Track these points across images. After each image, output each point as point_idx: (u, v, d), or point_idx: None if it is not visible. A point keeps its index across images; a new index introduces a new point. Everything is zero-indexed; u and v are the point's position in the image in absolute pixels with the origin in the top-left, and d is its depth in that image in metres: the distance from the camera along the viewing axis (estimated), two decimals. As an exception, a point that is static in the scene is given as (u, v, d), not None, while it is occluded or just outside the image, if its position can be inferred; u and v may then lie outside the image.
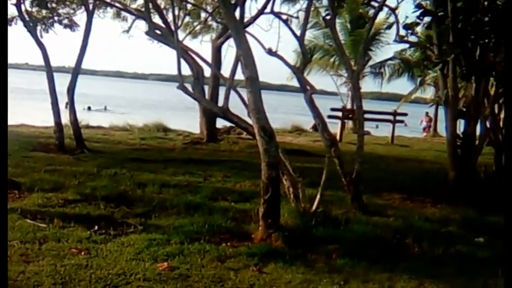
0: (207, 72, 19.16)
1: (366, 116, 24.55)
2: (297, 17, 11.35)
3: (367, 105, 25.99)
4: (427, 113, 38.06)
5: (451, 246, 7.28)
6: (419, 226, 8.03)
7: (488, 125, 12.23)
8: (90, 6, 14.96)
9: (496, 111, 14.65)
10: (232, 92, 8.32)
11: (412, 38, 11.69)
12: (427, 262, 6.58)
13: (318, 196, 7.91)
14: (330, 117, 23.99)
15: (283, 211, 7.51)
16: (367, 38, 12.11)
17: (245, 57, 7.04)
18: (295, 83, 9.11)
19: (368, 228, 7.66)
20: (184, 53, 9.11)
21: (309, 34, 32.25)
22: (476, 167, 11.92)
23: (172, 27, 9.72)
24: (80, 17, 15.82)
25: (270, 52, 8.73)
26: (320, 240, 6.94)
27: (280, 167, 7.79)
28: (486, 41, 10.36)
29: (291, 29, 9.83)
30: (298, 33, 9.70)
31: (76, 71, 14.90)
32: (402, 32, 10.97)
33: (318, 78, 35.52)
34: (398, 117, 25.07)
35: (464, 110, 11.57)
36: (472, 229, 8.23)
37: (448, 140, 11.30)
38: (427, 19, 11.13)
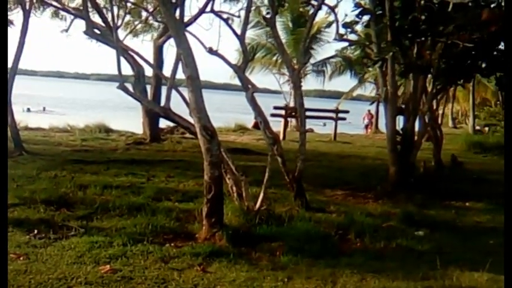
0: (150, 71, 19.02)
1: (308, 113, 24.86)
2: (239, 16, 11.32)
3: (310, 103, 26.28)
4: (369, 111, 38.71)
5: (392, 240, 7.42)
6: (361, 221, 8.12)
7: (426, 120, 12.53)
8: (27, 5, 14.57)
9: (434, 107, 15.06)
10: (175, 92, 8.27)
11: (352, 37, 11.90)
12: (369, 256, 6.68)
13: (261, 194, 7.93)
14: (273, 115, 24.11)
15: (227, 210, 7.52)
16: (307, 36, 12.24)
17: (185, 56, 6.99)
18: (238, 81, 9.10)
19: (311, 224, 7.72)
20: (124, 52, 8.96)
21: (252, 33, 32.38)
22: (415, 162, 12.21)
23: (112, 26, 9.54)
24: (17, 16, 15.41)
25: (210, 51, 8.71)
26: (264, 238, 6.97)
27: (223, 166, 7.78)
28: (423, 39, 10.61)
29: (231, 28, 9.82)
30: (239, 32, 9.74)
31: (13, 71, 14.48)
32: (342, 31, 11.12)
33: (261, 77, 35.68)
34: (340, 115, 25.38)
35: (403, 106, 11.84)
36: (412, 223, 8.39)
37: (388, 136, 11.53)
38: (366, 18, 11.32)
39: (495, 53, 11.25)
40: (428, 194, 10.91)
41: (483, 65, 11.69)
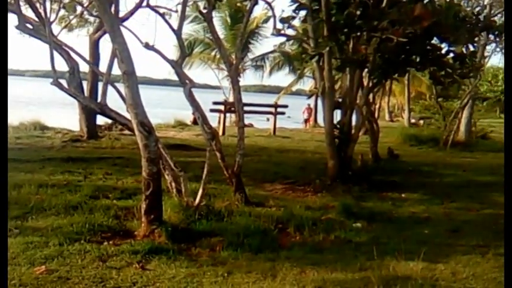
0: (86, 67, 18.61)
1: (247, 108, 24.92)
2: (176, 11, 11.23)
3: (250, 98, 26.34)
4: (308, 105, 39.09)
5: (330, 232, 7.52)
6: (300, 215, 8.18)
7: (363, 114, 12.74)
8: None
9: (371, 101, 15.34)
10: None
11: (290, 32, 11.95)
12: (308, 249, 6.75)
13: (201, 190, 7.91)
14: (212, 110, 24.08)
15: (166, 206, 7.45)
16: (244, 31, 12.25)
17: (121, 51, 6.88)
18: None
19: (251, 219, 7.73)
20: (58, 47, 8.71)
21: (190, 28, 32.21)
22: (353, 155, 12.40)
23: (45, 21, 9.28)
24: None
25: (146, 46, 8.59)
26: (203, 234, 6.94)
27: (162, 162, 7.71)
28: (358, 34, 10.78)
29: (168, 22, 9.70)
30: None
31: None
32: (279, 26, 11.18)
33: (200, 72, 35.54)
34: (279, 109, 25.51)
35: (341, 100, 12.00)
36: (350, 215, 8.52)
37: (326, 130, 11.67)
38: (302, 13, 11.41)
39: (428, 47, 11.53)
40: (365, 186, 11.13)
41: (417, 60, 11.97)
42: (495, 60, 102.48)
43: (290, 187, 10.92)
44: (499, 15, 19.13)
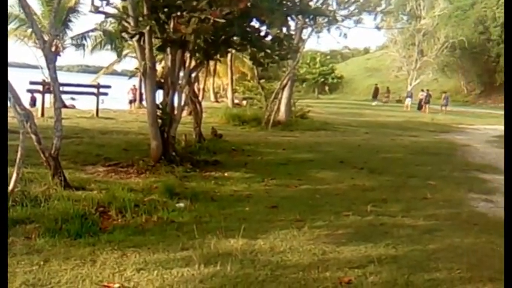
0: None
1: (68, 89, 23.94)
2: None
3: (73, 78, 25.32)
4: (134, 86, 38.50)
5: (153, 214, 7.47)
6: (122, 197, 8.00)
7: (186, 95, 12.77)
8: None
9: (194, 81, 15.41)
10: None
11: (108, 9, 11.59)
12: (130, 232, 6.64)
13: (14, 175, 7.45)
14: (29, 91, 22.81)
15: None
16: (58, 7, 11.68)
17: None
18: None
19: (70, 203, 7.40)
20: None
21: (3, 2, 30.06)
22: (177, 136, 12.42)
23: None
24: None
25: None
26: (18, 222, 6.58)
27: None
28: (179, 14, 10.73)
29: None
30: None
31: None
32: (97, 3, 10.79)
33: (17, 50, 33.49)
34: (102, 90, 24.74)
35: (163, 81, 11.92)
36: (174, 195, 8.52)
37: (148, 110, 11.53)
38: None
39: (248, 29, 11.79)
40: (189, 166, 11.22)
41: (237, 41, 12.20)
42: (313, 44, 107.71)
43: (113, 169, 10.68)
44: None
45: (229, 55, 30.16)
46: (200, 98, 20.85)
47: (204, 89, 35.23)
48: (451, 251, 6.41)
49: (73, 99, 32.47)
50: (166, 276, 5.24)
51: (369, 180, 11.01)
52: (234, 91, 38.52)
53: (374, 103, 50.83)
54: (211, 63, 28.57)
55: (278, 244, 6.38)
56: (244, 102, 34.68)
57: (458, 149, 17.88)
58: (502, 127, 23.45)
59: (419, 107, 45.75)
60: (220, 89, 53.41)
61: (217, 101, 43.72)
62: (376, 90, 55.56)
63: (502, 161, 15.78)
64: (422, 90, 47.45)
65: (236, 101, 36.72)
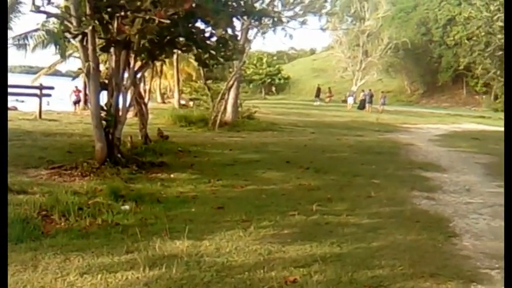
0: None
1: (9, 90, 23.30)
2: None
3: (15, 79, 24.62)
4: (76, 87, 37.75)
5: (97, 217, 7.35)
6: (66, 200, 7.86)
7: (131, 96, 12.64)
8: None
9: (139, 82, 15.26)
10: None
11: (50, 9, 11.35)
12: (73, 235, 6.54)
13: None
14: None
15: None
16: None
17: None
18: None
19: (11, 208, 7.22)
20: None
21: None
22: (122, 138, 12.28)
23: None
24: None
25: None
26: (-45, 227, 6.37)
27: None
28: (123, 14, 10.61)
29: None
30: None
31: None
32: (38, 2, 10.55)
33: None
34: (45, 91, 24.22)
35: (107, 81, 11.76)
36: (119, 198, 8.41)
37: (92, 112, 11.35)
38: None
39: (193, 30, 11.75)
40: (135, 168, 11.11)
41: (182, 41, 12.14)
42: (259, 45, 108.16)
43: (56, 172, 10.48)
44: (260, 0, 20.14)
45: (174, 56, 29.97)
46: (146, 99, 20.62)
47: (150, 90, 34.91)
48: (394, 248, 6.54)
49: (19, 101, 31.65)
50: (110, 280, 5.18)
51: (314, 180, 11.13)
52: (180, 92, 38.31)
53: (316, 103, 51.58)
54: (158, 64, 28.35)
55: (224, 245, 6.38)
56: (191, 103, 34.53)
57: (402, 148, 18.25)
58: (445, 126, 24.38)
59: (361, 107, 46.62)
60: (167, 90, 52.99)
61: (164, 102, 43.38)
62: (319, 90, 56.31)
63: (444, 159, 16.28)
64: (363, 91, 48.62)
65: (183, 102, 36.53)
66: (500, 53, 25.95)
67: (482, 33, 26.80)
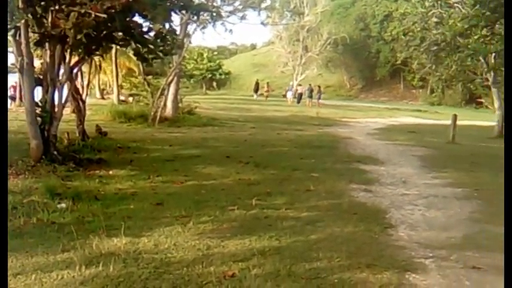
0: None
1: None
2: None
3: None
4: (15, 83, 36.71)
5: (32, 216, 7.22)
6: (-1, 199, 7.67)
7: (66, 91, 12.37)
8: None
9: (76, 77, 14.95)
10: None
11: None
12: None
13: None
14: None
15: None
16: None
17: None
18: None
19: None
20: None
21: None
22: (59, 134, 12.02)
23: None
24: None
25: None
26: None
27: None
28: (57, 7, 10.36)
29: None
30: None
31: None
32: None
33: None
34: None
35: (41, 77, 11.47)
36: (55, 196, 8.26)
37: (27, 108, 11.05)
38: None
39: (131, 24, 11.57)
40: (72, 165, 10.90)
41: (119, 36, 11.95)
42: (200, 40, 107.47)
43: (-11, 171, 10.15)
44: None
45: (113, 51, 29.50)
46: (85, 95, 20.17)
47: (89, 85, 34.25)
48: (331, 241, 6.65)
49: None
50: (45, 280, 5.08)
51: (254, 174, 11.18)
52: (120, 88, 37.72)
53: (255, 97, 52.10)
54: (96, 58, 27.85)
55: (162, 241, 6.35)
56: (131, 99, 34.03)
57: (341, 142, 18.54)
58: (383, 120, 24.90)
59: (297, 101, 47.31)
60: (107, 86, 52.10)
61: (103, 98, 42.58)
62: (257, 84, 56.64)
63: (382, 152, 16.59)
64: (300, 85, 49.39)
65: (122, 98, 35.94)
66: (435, 47, 26.52)
67: (418, 29, 27.44)
